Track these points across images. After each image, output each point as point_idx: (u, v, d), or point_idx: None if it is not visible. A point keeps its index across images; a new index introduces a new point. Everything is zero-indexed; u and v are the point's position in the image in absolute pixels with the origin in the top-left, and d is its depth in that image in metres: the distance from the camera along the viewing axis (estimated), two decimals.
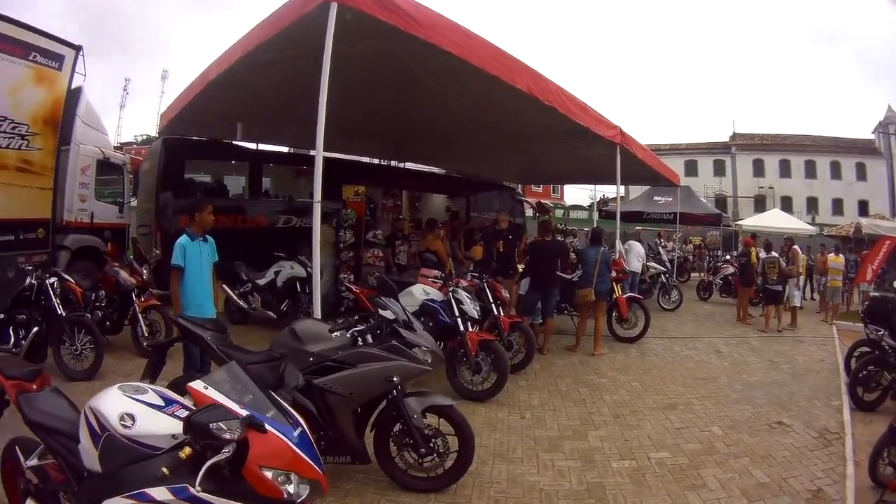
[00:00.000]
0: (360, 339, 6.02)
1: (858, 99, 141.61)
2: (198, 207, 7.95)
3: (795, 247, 18.72)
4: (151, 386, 3.81)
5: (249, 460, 3.08)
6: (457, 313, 9.41)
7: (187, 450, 3.02)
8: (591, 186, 34.02)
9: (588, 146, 14.78)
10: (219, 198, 16.26)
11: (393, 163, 22.60)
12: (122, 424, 3.36)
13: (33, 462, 4.05)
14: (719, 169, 67.90)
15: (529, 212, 30.02)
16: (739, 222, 33.69)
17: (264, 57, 9.42)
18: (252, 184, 17.95)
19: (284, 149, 19.70)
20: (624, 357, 12.66)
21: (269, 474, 3.14)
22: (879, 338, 9.94)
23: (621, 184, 15.63)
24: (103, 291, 11.10)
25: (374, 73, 10.92)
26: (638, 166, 17.13)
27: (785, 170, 66.25)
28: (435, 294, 9.95)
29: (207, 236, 7.98)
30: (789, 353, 13.94)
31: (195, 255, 7.69)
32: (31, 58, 12.07)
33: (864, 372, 9.88)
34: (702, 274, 29.31)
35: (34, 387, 4.20)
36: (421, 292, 10.00)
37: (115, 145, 22.36)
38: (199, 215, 7.86)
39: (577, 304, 13.18)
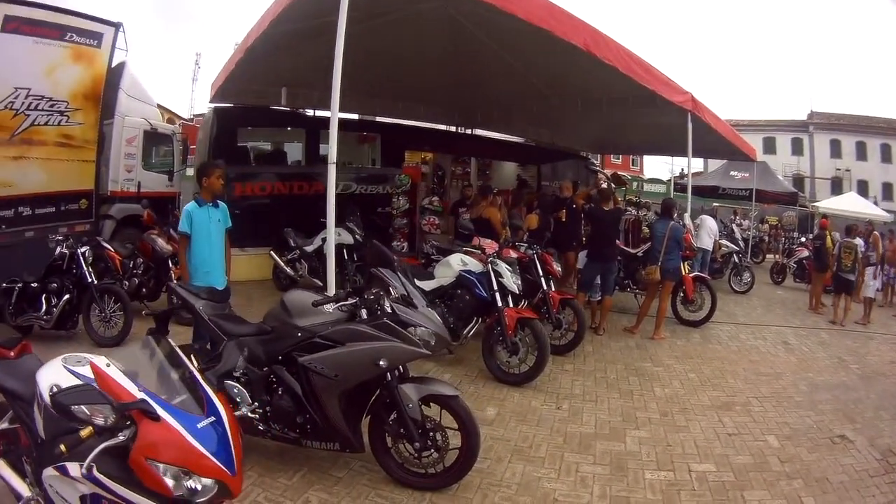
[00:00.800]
0: (358, 315, 5.44)
1: None
2: (206, 172, 7.62)
3: (876, 233, 17.68)
4: (95, 357, 3.45)
5: (134, 450, 2.91)
6: (495, 287, 8.71)
7: (89, 429, 2.87)
8: (671, 159, 33.26)
9: (658, 113, 13.93)
10: (276, 165, 17.20)
11: (462, 130, 21.98)
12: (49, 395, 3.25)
13: (3, 426, 4.08)
14: (797, 148, 65.88)
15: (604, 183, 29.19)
16: (816, 204, 32.87)
17: (310, 23, 9.31)
18: (309, 150, 17.70)
19: (351, 116, 18.84)
20: (685, 343, 11.90)
21: (157, 467, 2.93)
22: None
23: (695, 156, 14.76)
24: (141, 259, 11.39)
25: (432, 36, 11.05)
26: (711, 137, 16.02)
27: (861, 152, 63.28)
28: (474, 265, 9.22)
29: (220, 202, 7.76)
30: (860, 350, 12.79)
31: (203, 221, 7.48)
32: (67, 38, 12.48)
33: None
34: (776, 256, 27.99)
35: (12, 354, 4.27)
36: (459, 262, 9.33)
37: (189, 117, 22.74)
38: (208, 180, 7.54)
39: (641, 281, 12.65)
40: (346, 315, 5.44)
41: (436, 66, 13.48)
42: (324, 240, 11.97)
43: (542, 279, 9.98)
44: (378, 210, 16.44)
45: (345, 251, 12.84)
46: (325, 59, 8.69)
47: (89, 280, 9.32)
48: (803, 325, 14.91)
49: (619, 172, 29.60)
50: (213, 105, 16.21)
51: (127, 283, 10.53)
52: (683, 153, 14.60)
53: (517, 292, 8.92)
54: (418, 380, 5.57)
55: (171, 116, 28.42)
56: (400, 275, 8.90)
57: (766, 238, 31.42)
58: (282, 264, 13.37)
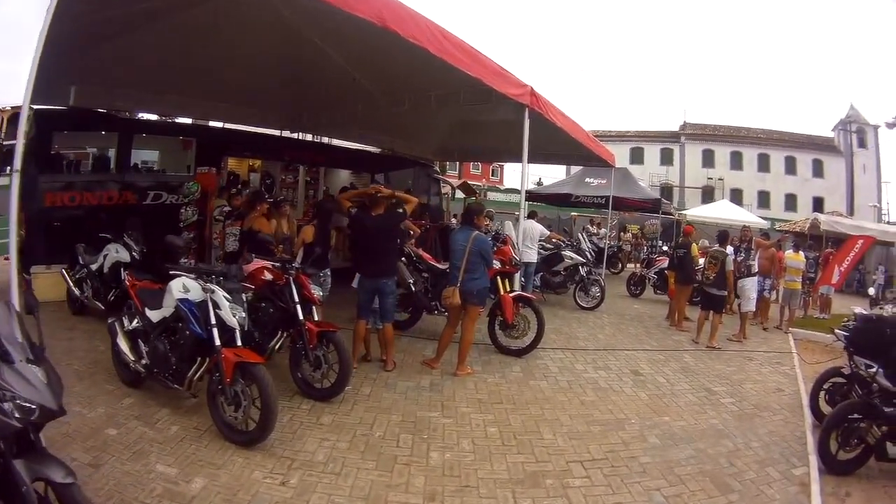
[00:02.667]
0: None
1: (823, 98, 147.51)
2: None
3: (757, 238, 16.47)
4: None
5: None
6: (213, 321, 6.88)
7: None
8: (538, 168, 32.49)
9: (495, 111, 12.97)
10: (91, 172, 15.40)
11: (300, 135, 20.43)
12: None
13: None
14: (667, 158, 68.61)
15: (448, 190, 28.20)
16: (684, 212, 32.49)
17: (102, 14, 8.48)
18: (120, 157, 15.59)
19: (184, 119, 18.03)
20: (498, 380, 9.54)
21: None
22: (871, 376, 7.43)
23: (547, 162, 13.68)
24: None
25: (253, 29, 10.32)
26: (561, 139, 15.17)
27: (736, 162, 67.12)
28: (196, 292, 7.24)
29: None
30: (735, 376, 10.98)
31: None
32: None
33: (844, 424, 7.21)
34: (636, 266, 27.19)
35: None
36: (180, 289, 7.33)
37: None
38: None
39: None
40: None
41: (256, 62, 12.45)
42: (105, 256, 11.49)
43: (298, 306, 8.17)
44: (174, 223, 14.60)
45: (122, 270, 10.81)
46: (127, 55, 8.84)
47: None
48: (662, 348, 12.82)
49: (468, 182, 28.45)
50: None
51: None
52: (531, 158, 13.25)
53: (238, 326, 7.03)
54: (37, 457, 4.13)
55: None
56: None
57: (627, 247, 30.74)
58: (70, 284, 11.82)
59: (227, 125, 18.02)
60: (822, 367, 9.73)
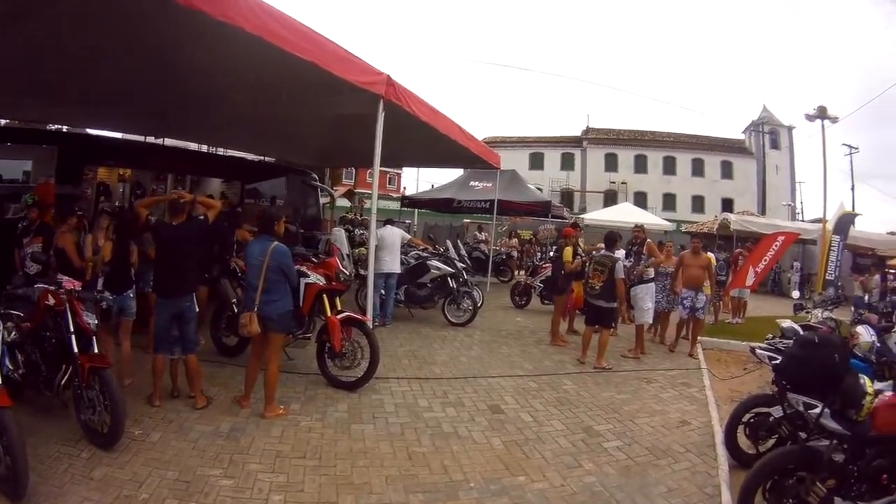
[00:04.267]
0: None
1: (735, 102, 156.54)
2: None
3: (650, 241, 14.39)
4: None
5: None
6: None
7: None
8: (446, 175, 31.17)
9: (347, 103, 11.61)
10: None
11: (168, 142, 19.74)
12: None
13: None
14: (568, 163, 69.57)
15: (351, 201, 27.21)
16: (583, 216, 31.68)
17: None
18: None
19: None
20: (315, 422, 7.63)
21: None
22: (814, 418, 5.73)
23: (428, 165, 12.31)
24: None
25: (108, 22, 8.42)
26: (430, 135, 14.02)
27: (641, 165, 68.29)
28: None
29: None
30: (627, 406, 8.98)
31: None
32: None
33: (776, 478, 5.60)
34: (520, 274, 25.62)
35: None
36: None
37: None
38: None
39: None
40: None
41: (112, 60, 10.57)
42: None
43: (73, 337, 6.87)
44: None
45: None
46: None
47: None
48: (537, 371, 10.68)
49: (353, 189, 27.01)
50: None
51: None
52: (414, 162, 11.81)
53: None
54: None
55: None
56: None
57: (515, 254, 28.86)
58: None
59: (92, 131, 17.84)
60: (738, 385, 9.25)
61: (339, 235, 14.30)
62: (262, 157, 22.31)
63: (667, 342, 13.86)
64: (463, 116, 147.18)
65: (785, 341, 8.03)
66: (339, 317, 9.05)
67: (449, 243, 17.51)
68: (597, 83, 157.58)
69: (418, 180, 47.18)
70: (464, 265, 15.79)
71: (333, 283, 9.36)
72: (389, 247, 13.59)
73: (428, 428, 7.48)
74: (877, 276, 23.23)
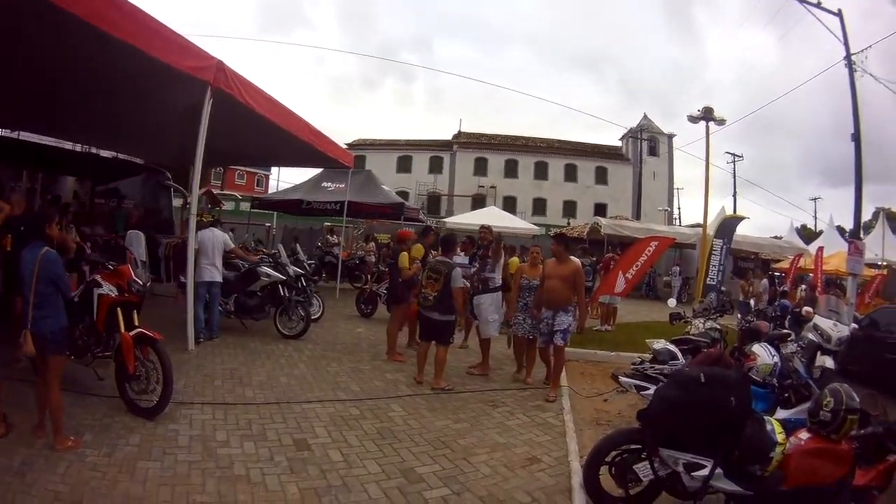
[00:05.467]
0: None
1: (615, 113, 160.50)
2: None
3: (503, 245, 13.26)
4: None
5: None
6: None
7: None
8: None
9: (173, 92, 10.77)
10: None
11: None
12: None
13: None
14: (436, 166, 70.93)
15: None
16: (446, 220, 31.27)
17: None
18: None
19: None
20: (101, 458, 6.32)
21: None
22: (703, 481, 4.76)
23: (279, 164, 11.55)
24: None
25: None
26: (263, 128, 13.17)
27: (511, 170, 70.31)
28: None
29: None
30: (464, 438, 7.52)
31: None
32: None
33: None
34: (366, 280, 23.75)
35: None
36: None
37: None
38: None
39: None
40: None
41: None
42: None
43: None
44: None
45: None
46: None
47: None
48: (364, 394, 9.24)
49: (212, 191, 25.84)
50: None
51: None
52: (271, 161, 11.06)
53: None
54: None
55: None
56: None
57: (372, 258, 27.61)
58: None
59: None
60: (606, 404, 8.40)
61: (136, 238, 13.07)
62: (115, 154, 20.69)
63: (529, 381, 10.76)
64: (335, 120, 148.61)
65: (657, 366, 7.11)
66: (132, 333, 7.73)
67: (280, 247, 15.99)
68: (472, 78, 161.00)
69: (279, 181, 45.98)
70: (301, 271, 14.67)
71: (126, 295, 8.05)
72: (209, 252, 12.21)
73: (218, 469, 6.19)
74: (764, 281, 23.03)
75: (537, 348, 10.65)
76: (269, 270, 13.47)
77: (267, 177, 62.26)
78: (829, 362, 9.90)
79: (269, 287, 13.37)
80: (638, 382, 6.55)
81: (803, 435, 4.75)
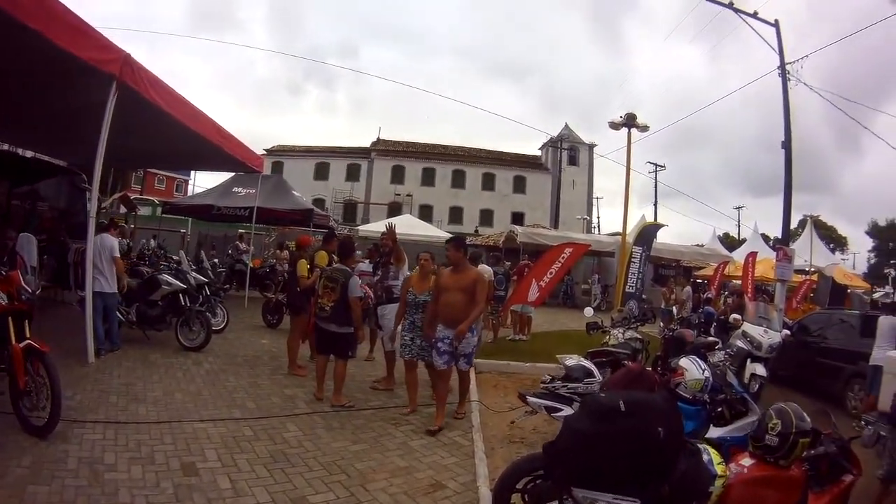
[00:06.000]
0: None
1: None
2: None
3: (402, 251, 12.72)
4: None
5: None
6: None
7: None
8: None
9: (76, 86, 10.59)
10: None
11: None
12: None
13: None
14: (353, 174, 72.53)
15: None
16: (360, 227, 30.85)
17: None
18: None
19: None
20: None
21: None
22: None
23: (184, 167, 10.96)
24: None
25: None
26: (170, 128, 12.77)
27: (428, 178, 72.40)
28: None
29: None
30: (361, 462, 7.10)
31: None
32: None
33: None
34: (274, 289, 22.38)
35: None
36: None
37: None
38: None
39: None
40: None
41: None
42: None
43: None
44: None
45: None
46: None
47: None
48: (260, 412, 8.76)
49: (129, 195, 25.33)
50: None
51: None
52: (181, 163, 10.67)
53: None
54: None
55: None
56: None
57: (282, 267, 27.03)
58: None
59: None
60: (521, 421, 7.66)
61: (27, 242, 12.83)
62: (33, 154, 20.03)
63: (409, 410, 9.68)
64: (259, 127, 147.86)
65: (570, 385, 6.76)
66: (22, 345, 7.24)
67: (182, 254, 15.69)
68: (393, 80, 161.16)
69: (195, 185, 45.31)
70: (204, 279, 14.30)
71: (15, 303, 7.52)
72: (96, 260, 11.27)
73: (103, 496, 5.69)
74: (688, 288, 23.34)
75: (433, 371, 9.24)
76: (170, 279, 12.93)
77: (186, 182, 61.54)
78: (759, 369, 9.95)
79: (169, 296, 12.80)
80: (549, 403, 6.33)
81: (746, 461, 4.44)
